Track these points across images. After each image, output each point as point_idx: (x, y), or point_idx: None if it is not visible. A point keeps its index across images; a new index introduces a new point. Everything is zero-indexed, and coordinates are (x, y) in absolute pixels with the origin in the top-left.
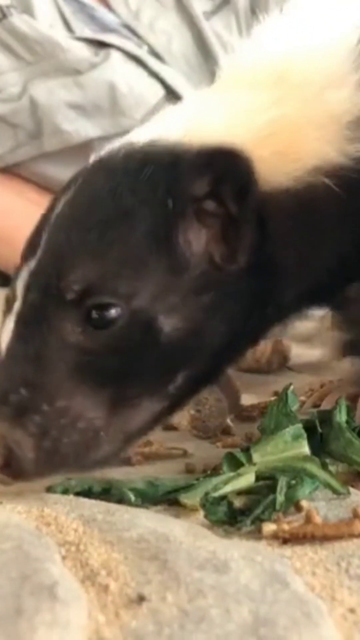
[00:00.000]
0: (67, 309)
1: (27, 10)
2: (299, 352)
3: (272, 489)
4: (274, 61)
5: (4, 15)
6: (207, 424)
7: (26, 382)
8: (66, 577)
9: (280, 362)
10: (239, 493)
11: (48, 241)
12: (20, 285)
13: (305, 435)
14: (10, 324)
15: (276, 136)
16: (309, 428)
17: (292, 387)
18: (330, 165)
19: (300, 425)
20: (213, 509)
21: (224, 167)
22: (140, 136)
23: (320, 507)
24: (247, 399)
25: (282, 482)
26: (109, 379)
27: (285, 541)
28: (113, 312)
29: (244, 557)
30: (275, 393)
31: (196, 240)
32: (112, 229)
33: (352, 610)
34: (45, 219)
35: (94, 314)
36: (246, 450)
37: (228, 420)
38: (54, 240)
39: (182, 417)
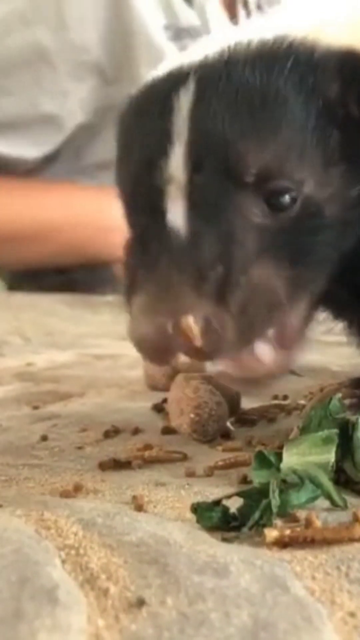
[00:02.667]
0: (245, 190)
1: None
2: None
3: (264, 492)
4: None
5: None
6: (206, 427)
7: (220, 259)
8: (66, 581)
9: None
10: (229, 497)
11: (202, 124)
12: (176, 166)
13: (336, 441)
14: (179, 204)
15: None
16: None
17: (339, 395)
18: None
19: (335, 431)
20: (206, 515)
21: (352, 72)
22: (261, 31)
23: (320, 510)
24: (247, 403)
25: (273, 485)
26: (285, 261)
27: (285, 545)
28: (288, 196)
29: (243, 561)
30: (275, 397)
31: (334, 137)
32: (277, 114)
33: (352, 614)
34: (162, 110)
35: (272, 198)
36: (279, 449)
37: (228, 424)
38: (213, 123)
39: (181, 421)
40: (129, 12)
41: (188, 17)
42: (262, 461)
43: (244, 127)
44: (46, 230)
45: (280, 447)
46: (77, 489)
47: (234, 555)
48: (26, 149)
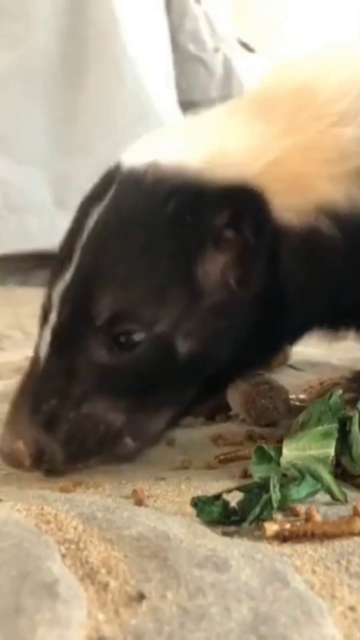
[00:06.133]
0: (95, 331)
1: None
2: (299, 350)
3: (264, 487)
4: (295, 89)
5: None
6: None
7: (56, 393)
8: (66, 575)
9: (280, 360)
10: (230, 491)
11: (80, 261)
12: (55, 298)
13: (335, 435)
14: (47, 336)
15: (287, 169)
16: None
17: (340, 392)
18: (333, 206)
19: (334, 425)
20: (207, 509)
21: (242, 202)
22: (166, 154)
23: (321, 504)
24: None
25: (274, 480)
26: (129, 390)
27: (285, 539)
28: (137, 336)
29: (243, 555)
30: None
31: (214, 267)
32: (138, 260)
33: (352, 608)
34: (78, 228)
35: (120, 338)
36: (279, 442)
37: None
38: (85, 263)
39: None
40: None
41: None
42: (262, 456)
43: (105, 271)
44: None
45: (280, 442)
46: (77, 483)
47: (234, 549)
48: None
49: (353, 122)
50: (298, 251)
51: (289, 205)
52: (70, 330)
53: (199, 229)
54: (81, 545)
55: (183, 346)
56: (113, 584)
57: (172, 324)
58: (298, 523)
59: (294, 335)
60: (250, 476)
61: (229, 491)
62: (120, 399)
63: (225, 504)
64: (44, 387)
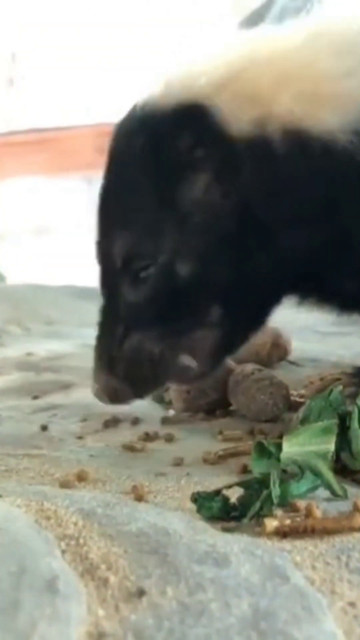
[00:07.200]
0: (119, 274)
1: None
2: (299, 346)
3: (264, 482)
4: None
5: None
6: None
7: (108, 335)
8: (66, 571)
9: (281, 356)
10: (230, 487)
11: (98, 213)
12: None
13: (335, 431)
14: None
15: (239, 82)
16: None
17: (340, 388)
18: (283, 121)
19: (334, 421)
20: (207, 505)
21: (193, 118)
22: (142, 96)
23: (321, 500)
24: None
25: (274, 476)
26: (158, 319)
27: (285, 535)
28: (149, 269)
29: (243, 551)
30: None
31: (195, 186)
32: (129, 199)
33: (352, 604)
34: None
35: (139, 275)
36: (279, 438)
37: None
38: (102, 213)
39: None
40: None
41: None
42: (262, 451)
43: (110, 217)
44: None
45: (280, 437)
46: (77, 479)
47: (234, 545)
48: None
49: (327, 58)
50: (253, 161)
51: (239, 115)
52: (107, 278)
53: (168, 157)
54: (81, 541)
55: (183, 269)
56: (113, 579)
57: (170, 251)
58: (298, 519)
59: (287, 272)
60: (250, 472)
61: (229, 487)
62: (154, 329)
63: (225, 499)
64: (102, 331)
